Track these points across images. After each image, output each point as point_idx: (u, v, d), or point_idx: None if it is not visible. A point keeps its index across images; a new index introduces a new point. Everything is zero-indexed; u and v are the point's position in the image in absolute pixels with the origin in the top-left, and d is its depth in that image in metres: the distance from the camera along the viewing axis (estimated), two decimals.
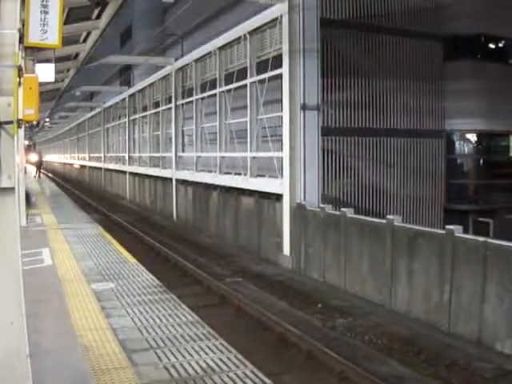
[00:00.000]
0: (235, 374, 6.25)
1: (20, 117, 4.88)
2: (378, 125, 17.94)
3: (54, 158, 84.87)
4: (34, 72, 10.33)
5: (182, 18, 21.87)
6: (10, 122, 4.65)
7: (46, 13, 5.40)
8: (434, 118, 19.41)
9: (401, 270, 12.17)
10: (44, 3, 5.40)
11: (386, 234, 12.59)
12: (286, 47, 16.21)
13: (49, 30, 5.43)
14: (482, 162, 20.84)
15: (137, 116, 35.38)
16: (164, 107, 29.08)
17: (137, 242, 20.25)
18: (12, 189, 4.70)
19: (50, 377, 6.02)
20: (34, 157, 46.27)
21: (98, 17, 18.01)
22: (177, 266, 16.60)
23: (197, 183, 23.98)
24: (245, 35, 18.92)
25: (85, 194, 41.06)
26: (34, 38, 5.46)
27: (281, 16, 16.45)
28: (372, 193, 17.69)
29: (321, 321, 11.63)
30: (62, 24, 5.64)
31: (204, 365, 6.50)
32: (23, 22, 5.50)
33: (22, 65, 6.02)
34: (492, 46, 21.22)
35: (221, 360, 6.65)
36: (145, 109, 33.41)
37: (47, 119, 56.87)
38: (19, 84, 4.86)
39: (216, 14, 25.42)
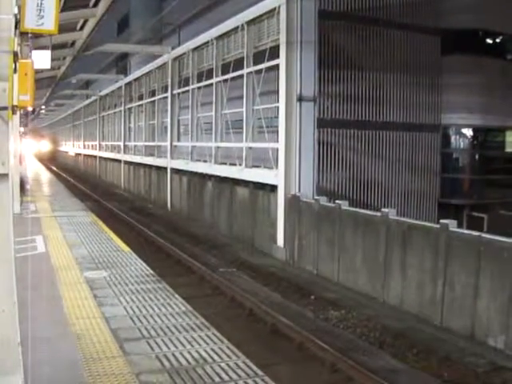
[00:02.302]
0: (227, 364, 6.24)
1: (15, 103, 4.82)
2: (374, 118, 17.88)
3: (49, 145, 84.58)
4: (30, 58, 10.24)
5: (179, 6, 21.78)
6: (5, 108, 4.60)
7: None
8: (431, 112, 19.34)
9: (394, 264, 12.17)
10: None
11: (381, 227, 12.59)
12: (283, 38, 16.15)
13: (45, 16, 5.36)
14: (477, 156, 20.82)
15: (133, 105, 35.24)
16: (160, 96, 28.94)
17: (130, 231, 20.22)
18: (6, 175, 4.66)
19: (41, 365, 6.00)
20: (46, 145, 44.70)
21: (96, 4, 17.94)
22: (170, 255, 16.57)
23: (192, 173, 23.94)
24: (242, 25, 18.83)
25: (79, 182, 40.97)
26: (29, 23, 5.40)
27: (279, 7, 16.38)
28: (367, 186, 17.65)
29: (313, 313, 11.65)
30: (59, 10, 5.57)
31: (196, 355, 6.49)
32: (19, 7, 5.44)
33: (18, 51, 5.96)
34: (490, 41, 21.18)
35: (213, 350, 6.64)
36: (141, 97, 33.27)
37: (43, 107, 56.66)
38: (14, 70, 4.80)
39: (214, 4, 25.28)
